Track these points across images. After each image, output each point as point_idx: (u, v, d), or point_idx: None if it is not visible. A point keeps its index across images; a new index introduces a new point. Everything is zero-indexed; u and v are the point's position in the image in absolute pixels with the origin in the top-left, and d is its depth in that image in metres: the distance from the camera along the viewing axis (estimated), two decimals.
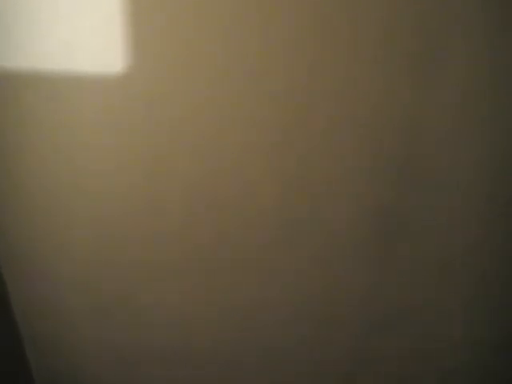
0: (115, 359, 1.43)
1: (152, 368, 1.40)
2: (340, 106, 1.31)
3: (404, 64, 1.28)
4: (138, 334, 1.40)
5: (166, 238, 1.38)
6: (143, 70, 1.35)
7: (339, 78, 1.28)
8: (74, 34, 1.34)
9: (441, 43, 1.27)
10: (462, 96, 1.29)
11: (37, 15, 1.35)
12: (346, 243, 1.32)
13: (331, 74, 1.27)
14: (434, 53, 1.27)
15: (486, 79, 1.29)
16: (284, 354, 1.38)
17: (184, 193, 1.38)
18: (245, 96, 1.32)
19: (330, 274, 1.33)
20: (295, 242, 1.32)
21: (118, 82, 1.36)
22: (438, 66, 1.29)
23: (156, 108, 1.38)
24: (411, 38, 1.28)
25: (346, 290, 1.34)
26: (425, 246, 1.32)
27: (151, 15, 1.34)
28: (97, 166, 1.39)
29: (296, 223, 1.31)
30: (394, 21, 1.29)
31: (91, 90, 1.36)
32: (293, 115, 1.26)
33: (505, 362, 1.35)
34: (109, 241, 1.41)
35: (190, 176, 1.38)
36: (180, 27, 1.33)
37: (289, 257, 1.32)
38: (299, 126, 1.26)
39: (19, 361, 1.44)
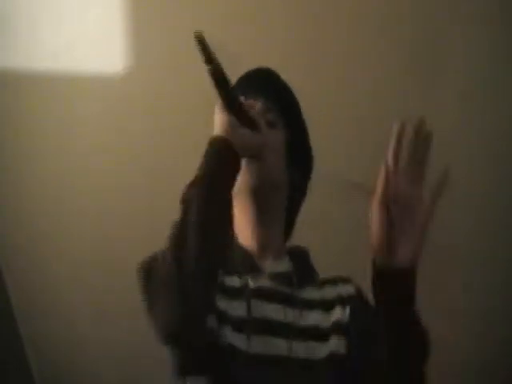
0: (115, 359, 1.43)
1: (152, 368, 1.39)
2: (340, 106, 1.31)
3: (404, 65, 1.28)
4: (138, 334, 1.40)
5: (166, 238, 1.38)
6: (143, 70, 1.35)
7: (339, 78, 1.28)
8: (74, 35, 1.34)
9: (441, 43, 1.28)
10: (461, 96, 1.29)
11: (38, 17, 1.35)
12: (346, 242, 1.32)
13: (331, 74, 1.27)
14: (434, 53, 1.28)
15: (485, 79, 1.29)
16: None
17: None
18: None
19: (331, 273, 1.33)
20: (295, 241, 1.32)
21: (118, 81, 1.36)
22: (439, 66, 1.29)
23: (156, 108, 1.38)
24: (412, 39, 1.28)
25: None
26: (425, 245, 1.32)
27: (151, 17, 1.34)
28: (97, 166, 1.39)
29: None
30: (394, 21, 1.29)
31: (91, 90, 1.36)
32: None
33: (506, 358, 1.35)
34: (108, 241, 1.41)
35: (189, 175, 1.38)
36: (180, 28, 1.33)
37: None
38: None
39: (19, 361, 1.44)
